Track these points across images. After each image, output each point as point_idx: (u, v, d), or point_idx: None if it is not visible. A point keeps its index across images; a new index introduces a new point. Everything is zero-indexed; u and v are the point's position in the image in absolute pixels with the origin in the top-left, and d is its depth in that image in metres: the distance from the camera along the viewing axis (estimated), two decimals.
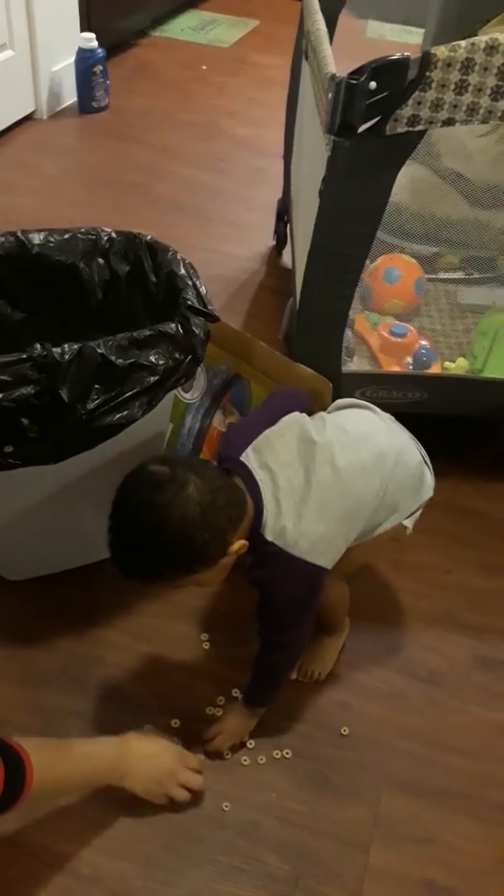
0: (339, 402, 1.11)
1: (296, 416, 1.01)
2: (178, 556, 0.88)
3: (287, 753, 1.03)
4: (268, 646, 1.00)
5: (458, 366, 1.44)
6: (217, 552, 0.90)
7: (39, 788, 0.80)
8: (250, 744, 1.03)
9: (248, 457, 0.96)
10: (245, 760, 1.02)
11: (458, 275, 1.68)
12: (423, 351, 1.45)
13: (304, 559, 0.93)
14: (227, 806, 0.98)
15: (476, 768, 1.04)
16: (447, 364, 1.45)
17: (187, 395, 1.32)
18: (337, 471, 0.95)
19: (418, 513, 1.06)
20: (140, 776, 0.93)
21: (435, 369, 1.43)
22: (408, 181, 1.65)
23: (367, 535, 1.01)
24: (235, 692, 1.08)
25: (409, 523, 1.05)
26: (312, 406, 1.09)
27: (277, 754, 1.03)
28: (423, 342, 1.47)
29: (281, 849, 0.95)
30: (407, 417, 1.37)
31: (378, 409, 1.09)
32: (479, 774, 1.03)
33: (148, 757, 0.95)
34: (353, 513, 0.97)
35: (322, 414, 1.06)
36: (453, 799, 1.01)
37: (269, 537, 0.92)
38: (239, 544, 0.91)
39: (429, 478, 1.07)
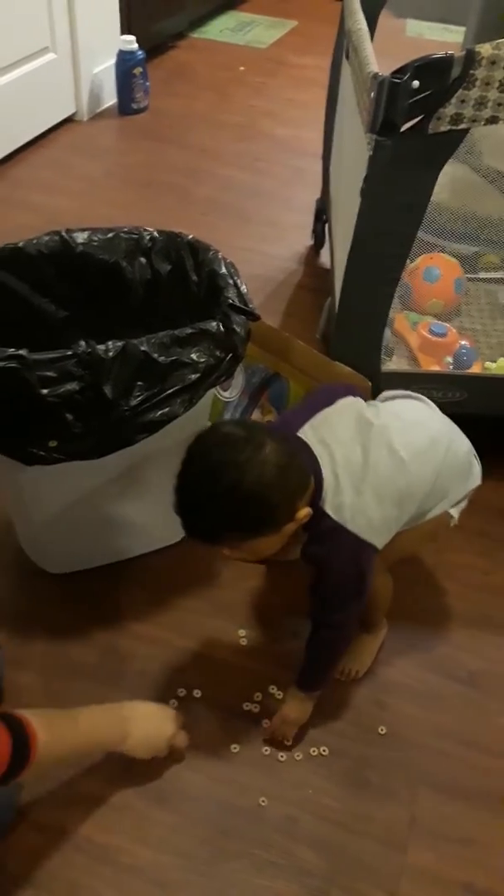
0: (388, 392, 1.12)
1: (352, 399, 1.03)
2: (248, 515, 0.87)
3: (324, 751, 1.03)
4: (320, 627, 1.00)
5: (498, 366, 1.43)
6: (285, 516, 0.90)
7: (46, 757, 0.82)
8: (287, 740, 1.04)
9: (306, 433, 0.97)
10: (282, 757, 1.02)
11: (499, 274, 1.66)
12: (464, 350, 1.44)
13: (359, 536, 0.94)
14: (264, 801, 0.98)
15: None
16: (488, 364, 1.44)
17: (226, 394, 1.33)
18: (393, 453, 0.97)
19: (464, 502, 1.07)
20: (139, 740, 0.96)
21: (475, 369, 1.42)
22: (448, 180, 1.63)
23: (416, 520, 1.02)
24: (272, 688, 1.09)
25: (455, 512, 1.06)
26: (367, 396, 1.11)
27: (314, 751, 1.03)
28: (464, 342, 1.46)
29: (317, 845, 0.95)
30: (448, 417, 1.37)
31: (427, 399, 1.10)
32: None
33: (146, 721, 0.98)
34: (407, 495, 0.98)
35: (374, 402, 1.08)
36: (491, 801, 1.00)
37: (328, 510, 0.93)
38: (305, 511, 0.91)
39: (476, 467, 1.08)
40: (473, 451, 1.09)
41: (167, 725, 0.99)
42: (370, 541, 0.95)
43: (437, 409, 1.09)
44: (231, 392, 1.33)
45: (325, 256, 1.92)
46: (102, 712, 0.96)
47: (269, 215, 2.09)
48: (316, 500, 0.93)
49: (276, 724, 1.03)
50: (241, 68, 2.89)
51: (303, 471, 0.92)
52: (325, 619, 0.99)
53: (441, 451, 1.02)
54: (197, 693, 1.08)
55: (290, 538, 0.94)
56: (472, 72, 0.98)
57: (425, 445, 1.01)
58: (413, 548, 1.14)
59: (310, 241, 1.99)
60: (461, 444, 1.06)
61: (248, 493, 0.86)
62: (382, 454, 0.97)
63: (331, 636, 1.00)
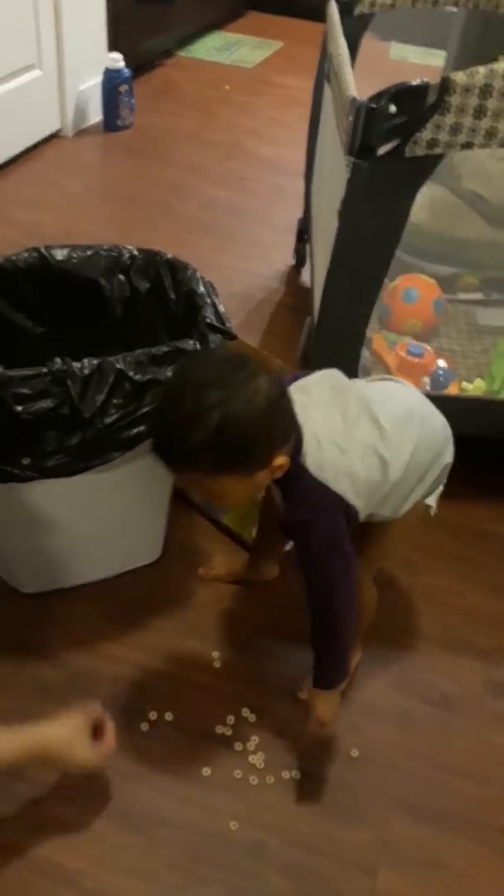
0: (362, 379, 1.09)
1: (327, 371, 1.01)
2: (227, 442, 0.82)
3: (296, 774, 1.02)
4: (318, 613, 0.94)
5: (475, 387, 1.44)
6: (262, 458, 0.86)
7: None
8: (260, 764, 1.03)
9: None
10: (253, 780, 1.01)
11: (477, 296, 1.68)
12: (441, 371, 1.45)
13: (343, 497, 0.91)
14: (234, 825, 0.97)
15: (487, 794, 1.03)
16: (465, 385, 1.45)
17: None
18: (374, 420, 0.95)
19: (440, 489, 1.05)
20: (66, 761, 0.93)
21: (452, 390, 1.43)
22: (428, 201, 1.66)
23: (397, 509, 0.99)
24: (245, 711, 1.08)
25: (432, 501, 1.04)
26: None
27: (286, 775, 1.02)
28: (441, 362, 1.47)
29: (287, 870, 0.94)
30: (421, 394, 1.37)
31: (402, 381, 1.08)
32: (489, 800, 1.02)
33: (60, 747, 0.93)
34: (387, 463, 0.95)
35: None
36: (463, 824, 1.00)
37: (310, 468, 0.90)
38: (282, 460, 0.87)
39: (450, 445, 1.06)
40: (448, 428, 1.05)
41: (78, 749, 0.93)
42: (353, 503, 0.91)
43: (411, 387, 1.08)
44: None
45: (306, 275, 1.93)
46: (21, 739, 0.91)
47: (252, 234, 2.11)
48: (296, 456, 0.89)
49: (314, 730, 0.99)
50: (227, 87, 2.91)
51: (290, 416, 0.88)
52: (319, 600, 0.93)
53: (416, 421, 0.99)
54: (169, 716, 1.07)
55: (257, 491, 0.90)
56: (447, 98, 1.00)
57: (403, 415, 0.98)
58: (395, 547, 1.10)
59: (292, 261, 2.00)
60: (436, 417, 1.04)
61: (233, 417, 0.81)
62: (363, 421, 0.94)
63: (330, 619, 0.94)
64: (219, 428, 0.82)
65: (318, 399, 0.95)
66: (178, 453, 0.86)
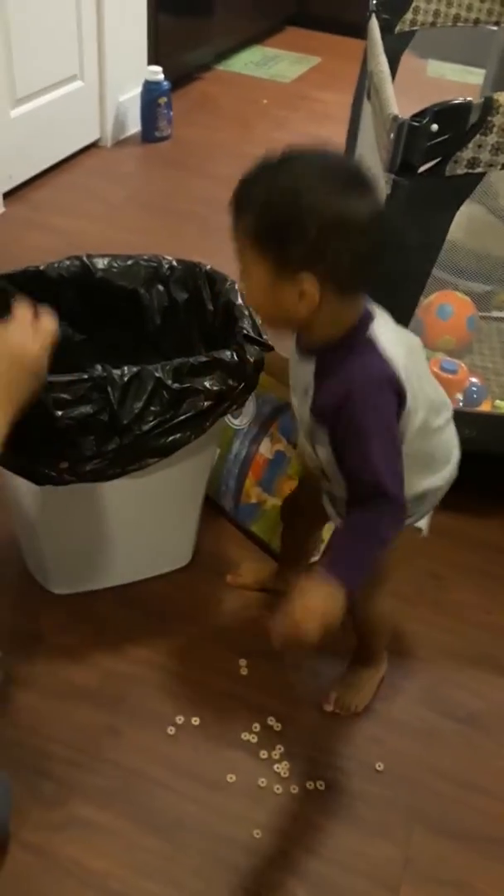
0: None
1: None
2: (272, 210, 0.77)
3: (320, 785, 1.03)
4: (365, 497, 0.82)
5: None
6: (292, 259, 0.77)
7: None
8: (284, 773, 1.03)
9: None
10: (278, 789, 1.02)
11: None
12: (474, 388, 1.45)
13: (396, 372, 0.81)
14: (257, 833, 0.97)
15: None
16: (498, 402, 1.45)
17: (236, 422, 1.34)
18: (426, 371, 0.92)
19: (430, 513, 1.00)
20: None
21: (485, 407, 1.43)
22: (464, 219, 1.65)
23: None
24: (271, 720, 1.08)
25: (423, 524, 0.99)
26: None
27: (311, 785, 1.02)
28: (474, 379, 1.47)
29: (309, 881, 0.94)
30: None
31: None
32: None
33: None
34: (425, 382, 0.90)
35: None
36: (486, 844, 0.99)
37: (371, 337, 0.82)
38: (310, 287, 0.77)
39: (454, 463, 0.97)
40: (458, 449, 0.98)
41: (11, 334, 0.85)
42: (403, 387, 0.81)
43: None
44: (241, 420, 1.34)
45: None
46: None
47: None
48: (358, 327, 0.82)
49: (293, 614, 0.80)
50: (264, 101, 2.94)
51: (361, 257, 0.77)
52: (372, 485, 0.80)
53: (446, 414, 0.94)
54: (195, 721, 1.08)
55: (276, 310, 0.81)
56: (489, 118, 1.00)
57: (439, 402, 0.93)
58: (386, 573, 0.98)
59: None
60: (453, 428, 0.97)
61: (297, 193, 0.75)
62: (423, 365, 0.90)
63: (381, 509, 0.81)
64: (281, 192, 0.76)
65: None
66: (241, 196, 0.81)
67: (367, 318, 0.84)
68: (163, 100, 2.52)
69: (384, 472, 0.81)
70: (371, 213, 0.78)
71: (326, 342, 0.83)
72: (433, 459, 0.94)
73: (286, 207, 0.76)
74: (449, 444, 0.97)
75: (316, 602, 0.80)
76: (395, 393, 0.82)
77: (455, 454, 0.98)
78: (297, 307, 0.80)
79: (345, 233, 0.76)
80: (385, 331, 0.85)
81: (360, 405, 0.80)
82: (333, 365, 0.83)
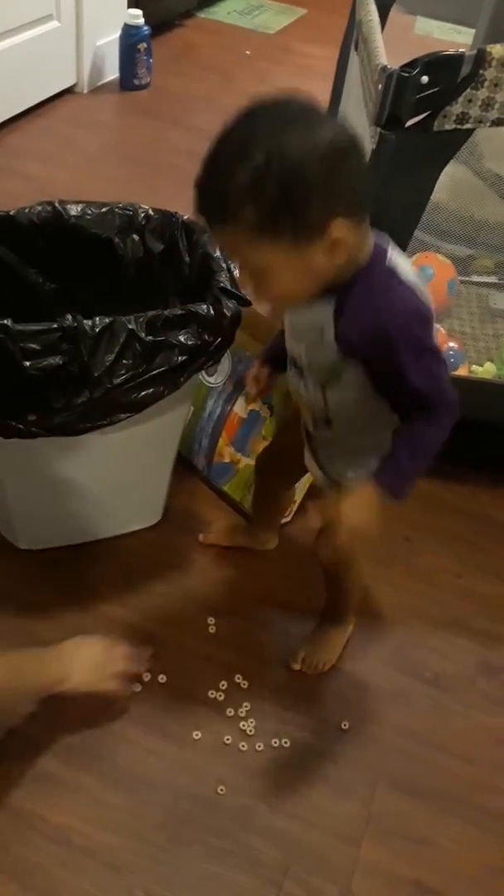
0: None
1: None
2: (272, 184, 0.68)
3: (286, 743, 1.03)
4: (428, 409, 0.80)
5: (485, 370, 1.43)
6: (316, 218, 0.70)
7: None
8: (250, 730, 1.03)
9: None
10: (243, 746, 1.02)
11: (492, 279, 1.66)
12: (451, 353, 1.43)
13: (424, 301, 0.79)
14: (222, 790, 0.98)
15: (473, 773, 1.04)
16: (474, 367, 1.44)
17: (211, 379, 1.32)
18: None
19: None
20: (78, 672, 0.94)
21: (461, 372, 1.42)
22: (448, 180, 1.62)
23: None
24: (238, 677, 1.08)
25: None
26: None
27: (276, 743, 1.03)
28: (452, 344, 1.46)
29: (272, 836, 0.95)
30: None
31: None
32: (476, 780, 1.03)
33: (80, 652, 0.96)
34: None
35: None
36: (448, 802, 1.01)
37: (394, 268, 0.78)
38: (343, 230, 0.71)
39: None
40: None
41: (103, 653, 0.97)
42: (427, 315, 0.78)
43: None
44: (216, 378, 1.31)
45: None
46: (27, 657, 0.92)
47: None
48: (377, 255, 0.77)
49: (331, 512, 0.79)
50: (247, 52, 2.86)
51: (362, 178, 0.73)
52: (436, 396, 0.79)
53: None
54: (162, 678, 1.07)
55: (311, 281, 0.75)
56: (481, 72, 0.98)
57: None
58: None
59: None
60: None
61: (284, 149, 0.68)
62: None
63: (446, 420, 0.81)
64: (266, 162, 0.68)
65: None
66: (220, 197, 0.71)
67: (381, 245, 0.79)
68: (142, 46, 2.43)
69: (440, 382, 0.80)
70: (348, 131, 0.73)
71: (345, 279, 0.77)
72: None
73: (280, 171, 0.68)
74: None
75: (357, 514, 0.79)
76: (428, 321, 0.79)
77: None
78: (332, 261, 0.74)
79: (341, 161, 0.71)
80: (398, 254, 0.81)
81: (400, 330, 0.76)
82: (356, 299, 0.77)
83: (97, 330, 0.92)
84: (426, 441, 0.82)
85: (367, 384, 0.82)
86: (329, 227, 0.71)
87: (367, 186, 0.76)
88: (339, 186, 0.70)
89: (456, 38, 3.06)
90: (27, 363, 0.89)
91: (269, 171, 0.68)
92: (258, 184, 0.69)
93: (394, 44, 1.32)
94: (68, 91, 2.40)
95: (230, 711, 1.05)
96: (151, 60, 2.49)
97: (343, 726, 1.06)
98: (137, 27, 2.40)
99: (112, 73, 2.50)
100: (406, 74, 0.98)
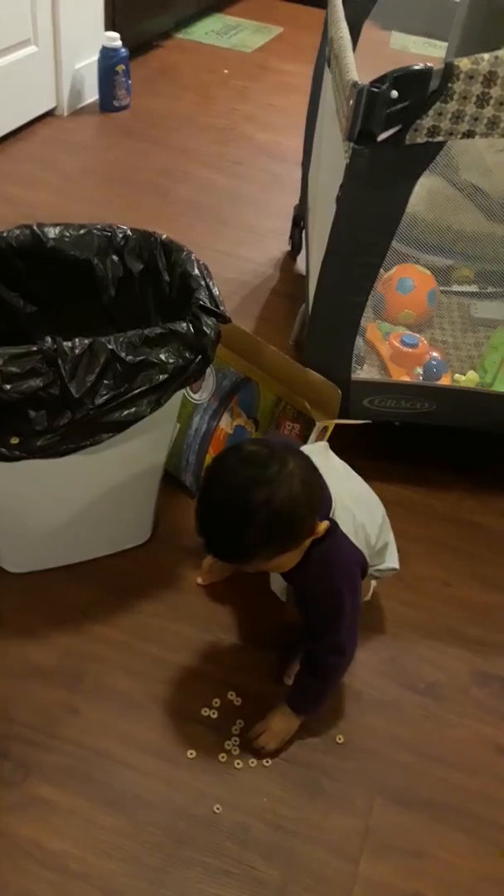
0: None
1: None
2: (281, 531, 0.89)
3: (281, 759, 1.02)
4: (325, 653, 1.00)
5: (468, 379, 1.43)
6: (308, 531, 0.92)
7: None
8: (245, 747, 1.03)
9: None
10: (238, 764, 1.01)
11: (472, 288, 1.67)
12: (434, 362, 1.44)
13: (361, 549, 1.00)
14: (218, 808, 0.97)
15: (469, 783, 1.03)
16: (457, 376, 1.45)
17: (196, 396, 1.32)
18: (352, 494, 1.04)
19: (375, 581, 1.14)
20: None
21: (445, 381, 1.43)
22: (425, 192, 1.65)
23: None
24: (231, 694, 1.08)
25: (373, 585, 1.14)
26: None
27: (270, 759, 1.02)
28: (435, 353, 1.47)
29: (270, 854, 0.94)
30: (414, 428, 1.38)
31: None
32: (472, 790, 1.03)
33: None
34: (379, 531, 1.06)
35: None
36: (445, 813, 1.00)
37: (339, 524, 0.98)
38: (324, 525, 0.94)
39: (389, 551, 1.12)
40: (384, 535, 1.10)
41: None
42: (366, 560, 1.02)
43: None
44: (201, 395, 1.32)
45: (301, 263, 1.92)
46: None
47: (247, 220, 2.09)
48: (326, 513, 0.97)
49: (259, 731, 1.02)
50: (225, 71, 2.88)
51: (322, 485, 0.95)
52: (330, 644, 0.99)
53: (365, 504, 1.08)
54: (155, 697, 1.07)
55: (302, 553, 0.95)
56: (450, 85, 0.99)
57: (365, 492, 1.10)
58: None
59: (286, 248, 1.99)
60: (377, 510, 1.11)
61: (281, 507, 0.87)
62: (353, 486, 1.08)
63: (335, 662, 1.01)
64: (269, 524, 0.87)
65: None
66: (238, 554, 0.92)
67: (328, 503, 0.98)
68: (121, 67, 2.45)
69: (345, 637, 0.99)
70: (302, 458, 0.93)
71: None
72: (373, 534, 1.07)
73: (282, 526, 0.88)
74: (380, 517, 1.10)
75: (277, 726, 1.02)
76: (360, 565, 1.01)
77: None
78: (307, 544, 0.94)
79: (311, 486, 0.91)
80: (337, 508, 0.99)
81: (343, 595, 0.97)
82: (315, 550, 0.96)
83: (77, 351, 0.92)
84: (330, 679, 1.03)
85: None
86: (316, 529, 0.93)
87: (324, 483, 0.96)
88: (314, 503, 0.92)
89: (431, 51, 3.10)
90: (7, 386, 0.89)
91: (273, 527, 0.88)
92: (267, 536, 0.88)
93: (370, 59, 1.34)
94: (48, 114, 2.42)
95: (224, 729, 1.04)
96: (130, 82, 2.51)
97: (338, 740, 1.05)
98: (115, 49, 2.42)
99: (91, 95, 2.52)
100: (376, 90, 0.99)
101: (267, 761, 1.02)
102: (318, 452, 1.02)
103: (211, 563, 1.21)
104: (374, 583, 1.12)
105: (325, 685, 1.03)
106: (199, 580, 1.21)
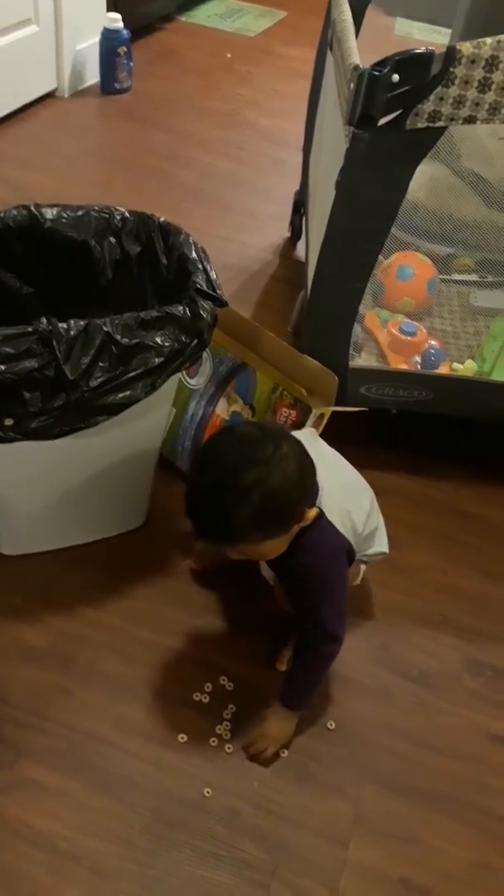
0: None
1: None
2: (270, 514, 0.88)
3: None
4: (318, 643, 0.99)
5: (466, 367, 1.43)
6: (298, 516, 0.91)
7: None
8: (236, 732, 1.03)
9: None
10: (229, 748, 1.02)
11: (472, 277, 1.66)
12: (432, 351, 1.44)
13: (348, 537, 0.99)
14: (208, 792, 0.97)
15: (460, 771, 1.03)
16: (455, 365, 1.44)
17: (192, 381, 1.32)
18: (339, 481, 1.03)
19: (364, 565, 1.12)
20: None
21: (443, 370, 1.42)
22: (427, 179, 1.63)
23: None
24: (223, 679, 1.08)
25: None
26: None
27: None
28: (433, 342, 1.46)
29: (260, 838, 0.94)
30: (412, 417, 1.37)
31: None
32: (463, 777, 1.03)
33: None
34: (367, 518, 1.05)
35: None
36: (435, 800, 1.00)
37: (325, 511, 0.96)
38: (313, 512, 0.93)
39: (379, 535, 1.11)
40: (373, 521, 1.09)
41: None
42: (350, 547, 1.00)
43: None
44: (198, 379, 1.31)
45: (301, 249, 1.91)
46: None
47: (248, 205, 2.08)
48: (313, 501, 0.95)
49: (256, 739, 1.01)
50: (228, 55, 2.86)
51: (314, 470, 0.94)
52: (321, 641, 0.99)
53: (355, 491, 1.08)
54: (147, 680, 1.07)
55: (289, 539, 0.94)
56: (451, 69, 0.98)
57: (354, 479, 1.09)
58: None
59: (287, 233, 1.98)
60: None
61: (274, 490, 0.86)
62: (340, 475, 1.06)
63: (328, 650, 1.00)
64: (262, 505, 0.86)
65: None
66: (226, 533, 0.90)
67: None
68: (122, 49, 2.43)
69: (336, 624, 0.98)
70: (295, 443, 0.91)
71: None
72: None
73: (274, 508, 0.87)
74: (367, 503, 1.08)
75: (273, 730, 1.01)
76: (347, 552, 1.00)
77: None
78: (295, 530, 0.93)
79: (304, 472, 0.91)
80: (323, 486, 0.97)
81: (320, 577, 0.96)
82: (302, 537, 0.95)
83: (72, 333, 0.91)
84: (320, 667, 1.02)
85: None
86: (306, 514, 0.93)
87: (315, 469, 0.94)
88: (307, 489, 0.92)
89: (435, 37, 3.08)
90: (2, 367, 0.89)
91: (264, 508, 0.86)
92: (258, 520, 0.87)
93: (373, 45, 1.33)
94: (49, 95, 2.40)
95: (215, 713, 1.04)
96: (132, 64, 2.49)
97: (329, 726, 1.06)
98: (117, 31, 2.40)
99: (93, 77, 2.50)
100: (377, 73, 0.98)
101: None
102: (307, 438, 1.02)
103: (204, 549, 1.21)
104: (363, 567, 1.12)
105: (320, 675, 1.03)
106: (192, 565, 1.21)
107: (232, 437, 0.91)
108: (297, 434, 1.01)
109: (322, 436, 1.12)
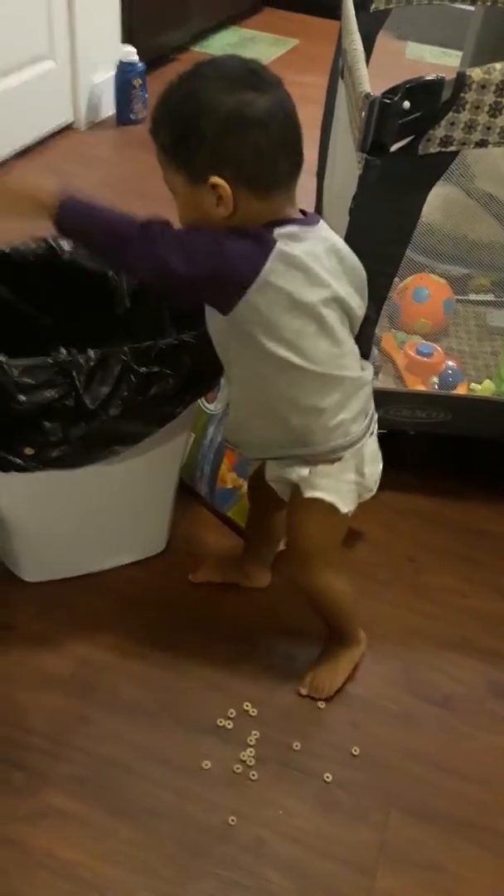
0: None
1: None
2: (177, 119, 0.80)
3: (296, 770, 1.02)
4: (159, 233, 0.88)
5: (484, 388, 1.43)
6: (199, 165, 0.79)
7: None
8: (260, 759, 1.02)
9: None
10: (253, 776, 1.01)
11: (489, 297, 1.67)
12: (450, 371, 1.44)
13: (277, 243, 0.82)
14: (233, 820, 0.97)
15: (486, 796, 1.02)
16: (473, 386, 1.44)
17: (211, 406, 1.33)
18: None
19: (351, 493, 0.97)
20: None
21: (461, 390, 1.42)
22: (441, 202, 1.64)
23: (302, 440, 0.92)
24: (247, 705, 1.07)
25: (339, 503, 0.95)
26: None
27: (286, 771, 1.02)
28: (450, 363, 1.46)
29: (285, 867, 0.94)
30: (430, 438, 1.37)
31: None
32: (489, 803, 1.02)
33: None
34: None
35: None
36: (461, 827, 0.99)
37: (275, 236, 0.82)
38: (219, 181, 0.79)
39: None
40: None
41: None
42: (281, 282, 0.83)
43: None
44: (216, 405, 1.32)
45: None
46: None
47: None
48: (267, 227, 0.82)
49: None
50: None
51: (258, 153, 0.79)
52: (161, 245, 0.87)
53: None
54: (170, 707, 1.07)
55: (201, 218, 0.83)
56: (462, 95, 0.99)
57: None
58: (308, 543, 1.00)
59: None
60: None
61: (197, 98, 0.78)
62: None
63: (149, 235, 0.88)
64: (183, 99, 0.80)
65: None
66: (156, 111, 0.83)
67: (282, 223, 0.83)
68: (137, 81, 2.47)
69: (172, 257, 0.84)
70: (270, 108, 0.79)
71: None
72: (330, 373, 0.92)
73: (186, 113, 0.79)
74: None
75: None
76: (263, 252, 0.82)
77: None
78: (217, 212, 0.82)
79: (241, 129, 0.78)
80: (305, 235, 0.85)
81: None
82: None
83: (91, 363, 0.93)
84: (118, 228, 0.91)
85: (254, 359, 0.88)
86: (211, 179, 0.80)
87: (273, 163, 0.81)
88: (227, 150, 0.79)
89: (447, 60, 3.10)
90: (22, 397, 0.90)
91: (179, 109, 0.80)
92: (172, 115, 0.81)
93: (385, 69, 1.35)
94: (67, 128, 2.45)
95: (239, 740, 1.04)
96: (147, 95, 2.54)
97: (354, 752, 1.05)
98: (132, 64, 2.45)
99: (109, 109, 2.55)
100: (388, 101, 0.99)
101: (288, 770, 1.01)
102: None
103: (211, 562, 1.20)
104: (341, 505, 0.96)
105: (104, 236, 0.92)
106: (191, 576, 1.21)
107: (242, 60, 0.82)
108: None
109: None
